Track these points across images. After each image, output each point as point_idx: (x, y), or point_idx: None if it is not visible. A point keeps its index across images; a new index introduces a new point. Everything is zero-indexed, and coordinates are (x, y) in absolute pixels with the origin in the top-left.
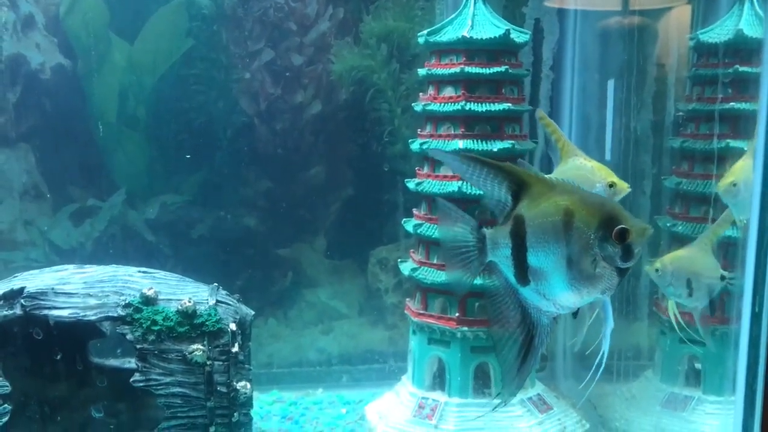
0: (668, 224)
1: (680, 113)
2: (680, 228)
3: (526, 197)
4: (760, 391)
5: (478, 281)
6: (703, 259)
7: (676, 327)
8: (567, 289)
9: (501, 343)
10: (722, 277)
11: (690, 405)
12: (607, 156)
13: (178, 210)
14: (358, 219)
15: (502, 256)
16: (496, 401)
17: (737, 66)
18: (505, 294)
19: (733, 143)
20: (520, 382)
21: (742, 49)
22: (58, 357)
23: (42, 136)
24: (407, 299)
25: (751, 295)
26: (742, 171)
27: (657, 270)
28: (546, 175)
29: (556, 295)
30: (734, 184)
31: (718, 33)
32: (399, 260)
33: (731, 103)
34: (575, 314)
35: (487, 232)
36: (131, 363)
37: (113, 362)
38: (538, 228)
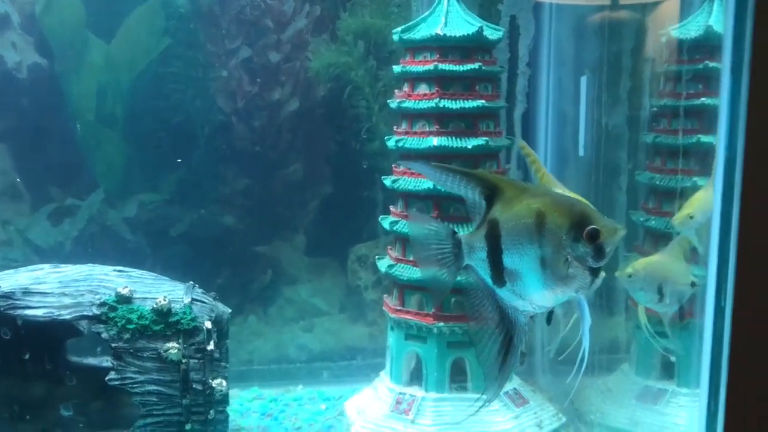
0: (642, 219)
1: (654, 109)
2: (653, 223)
3: (499, 201)
4: (724, 385)
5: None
6: (674, 265)
7: (646, 332)
8: (542, 289)
9: (481, 344)
10: (693, 284)
11: (664, 398)
12: (581, 152)
13: (157, 209)
14: (337, 216)
15: (478, 259)
16: (479, 401)
17: (707, 62)
18: (483, 296)
19: (704, 138)
20: (501, 381)
21: (711, 45)
22: (31, 356)
23: (19, 136)
24: (385, 296)
25: (714, 289)
26: (699, 203)
27: (629, 275)
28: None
29: (532, 295)
30: (691, 217)
31: (688, 29)
32: (377, 257)
33: (702, 99)
34: (549, 320)
35: (463, 237)
36: (108, 361)
37: (91, 361)
38: (511, 230)
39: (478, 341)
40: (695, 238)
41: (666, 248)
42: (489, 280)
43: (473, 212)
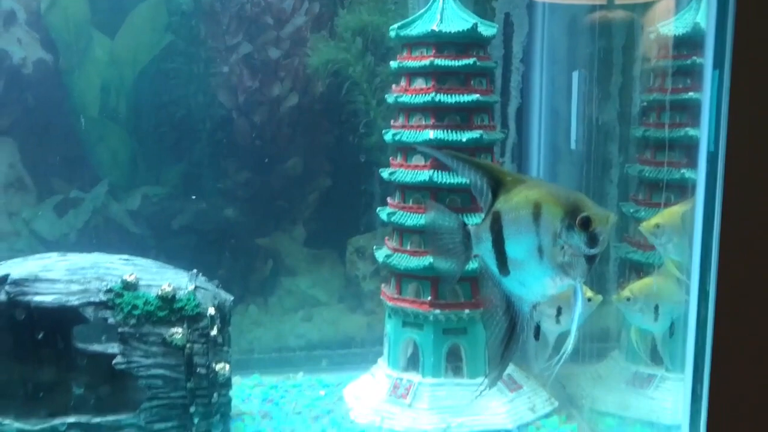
0: (632, 210)
1: (644, 103)
2: (643, 214)
3: (502, 193)
4: (707, 370)
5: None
6: (667, 285)
7: (639, 352)
8: (541, 277)
9: (489, 331)
10: (683, 302)
11: (653, 383)
12: (573, 146)
13: (160, 201)
14: (336, 209)
15: (485, 249)
16: (480, 386)
17: (694, 58)
18: (492, 284)
19: (692, 131)
20: (503, 367)
21: (698, 41)
22: (41, 341)
23: (25, 130)
24: (383, 285)
25: (698, 275)
26: (669, 215)
27: (628, 299)
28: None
29: (533, 283)
30: (658, 226)
31: (676, 26)
32: (374, 248)
33: (689, 93)
34: (537, 335)
35: (471, 228)
36: (114, 348)
37: (97, 347)
38: (512, 221)
39: (487, 328)
40: (661, 248)
41: (659, 270)
42: (495, 270)
43: (481, 202)
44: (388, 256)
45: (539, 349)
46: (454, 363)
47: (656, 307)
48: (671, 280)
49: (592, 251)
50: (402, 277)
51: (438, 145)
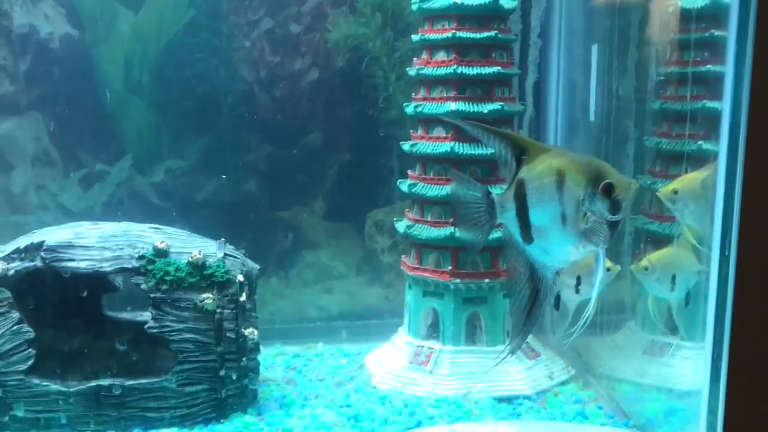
0: (649, 182)
1: (661, 77)
2: (660, 185)
3: (526, 162)
4: (727, 334)
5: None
6: (684, 255)
7: (656, 321)
8: (564, 244)
9: (512, 298)
10: (699, 272)
11: (669, 351)
12: (591, 118)
13: (183, 174)
14: (355, 183)
15: (509, 218)
16: (504, 352)
17: (713, 30)
18: (516, 252)
19: (710, 104)
20: (526, 333)
21: (717, 14)
22: (77, 305)
23: (51, 104)
24: (403, 256)
25: (719, 241)
26: (688, 181)
27: (646, 268)
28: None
29: (557, 250)
30: (675, 192)
31: None
32: (395, 219)
33: (707, 66)
34: (557, 305)
35: (495, 197)
36: (143, 316)
37: (126, 315)
38: (535, 189)
39: (511, 295)
40: (678, 214)
41: (675, 241)
42: (519, 238)
43: (505, 171)
44: (409, 227)
45: (559, 318)
46: (473, 331)
47: (673, 277)
48: (688, 250)
49: (615, 217)
50: (422, 247)
51: (460, 117)
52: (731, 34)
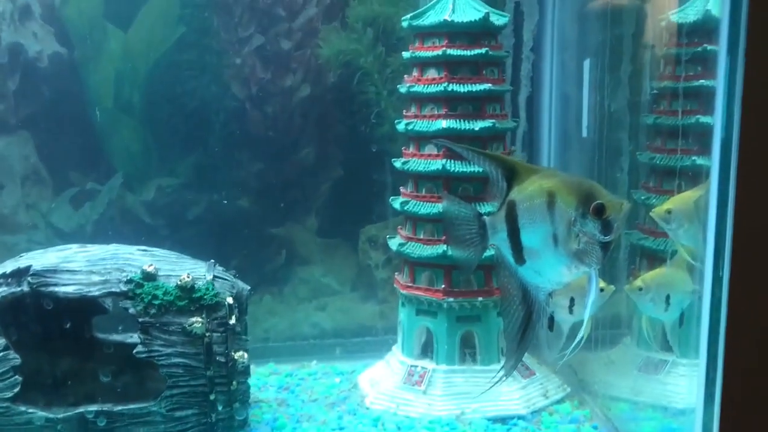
0: (643, 197)
1: (654, 91)
2: (654, 201)
3: (516, 183)
4: (721, 355)
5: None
6: (678, 275)
7: (649, 341)
8: (557, 265)
9: (506, 321)
10: (693, 291)
11: (665, 368)
12: (584, 133)
13: (174, 192)
14: (348, 199)
15: (500, 239)
16: (497, 374)
17: (705, 45)
18: (509, 274)
19: (703, 119)
20: (519, 355)
21: (709, 28)
22: (62, 332)
23: (41, 123)
24: (396, 273)
25: (712, 260)
26: (681, 201)
27: (640, 288)
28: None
29: (549, 272)
30: (669, 212)
31: (687, 13)
32: (388, 237)
33: (700, 81)
34: (551, 326)
35: (487, 219)
36: (133, 338)
37: (116, 337)
38: (526, 211)
39: (504, 317)
40: (672, 234)
41: (670, 261)
42: (511, 260)
43: (495, 193)
44: (401, 245)
45: (552, 339)
46: (467, 350)
47: (667, 297)
48: (683, 270)
49: (607, 238)
50: (415, 265)
51: (451, 134)
52: (722, 48)
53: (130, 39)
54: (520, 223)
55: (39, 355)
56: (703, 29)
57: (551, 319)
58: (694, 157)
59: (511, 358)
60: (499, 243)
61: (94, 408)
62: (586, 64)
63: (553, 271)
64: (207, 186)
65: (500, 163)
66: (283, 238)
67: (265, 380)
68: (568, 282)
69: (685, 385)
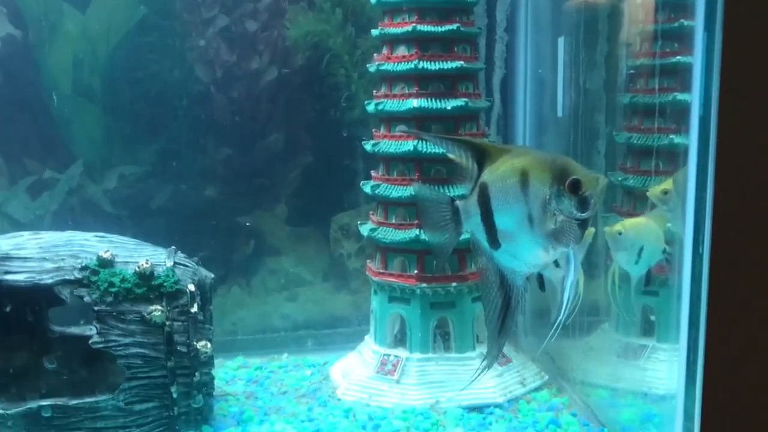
0: (620, 178)
1: (631, 70)
2: (631, 182)
3: (488, 165)
4: (702, 337)
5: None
6: (655, 230)
7: (611, 295)
8: (533, 247)
9: (486, 307)
10: (664, 251)
11: (644, 353)
12: (559, 114)
13: (137, 181)
14: (318, 185)
15: (474, 224)
16: (481, 365)
17: (682, 20)
18: (486, 260)
19: (680, 96)
20: (500, 344)
21: (685, 3)
22: (14, 324)
23: None
24: (368, 261)
25: (692, 239)
26: (677, 182)
27: (619, 233)
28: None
29: (525, 254)
30: (665, 192)
31: None
32: (359, 223)
33: (677, 57)
34: (542, 286)
35: (460, 204)
36: (92, 330)
37: (74, 330)
38: (499, 192)
39: (484, 304)
40: (668, 214)
41: (652, 212)
42: (485, 244)
43: (466, 177)
44: (373, 230)
45: (549, 297)
46: (441, 338)
47: (641, 250)
48: (660, 227)
49: (584, 215)
50: (387, 251)
51: (422, 113)
52: (699, 23)
53: (88, 20)
54: (493, 205)
55: None
56: (679, 4)
57: (541, 278)
58: (671, 136)
59: (493, 346)
60: (473, 228)
61: (47, 403)
62: (561, 42)
63: (530, 254)
64: (171, 174)
65: (469, 145)
66: (252, 228)
67: (234, 374)
68: (546, 263)
69: (665, 370)
